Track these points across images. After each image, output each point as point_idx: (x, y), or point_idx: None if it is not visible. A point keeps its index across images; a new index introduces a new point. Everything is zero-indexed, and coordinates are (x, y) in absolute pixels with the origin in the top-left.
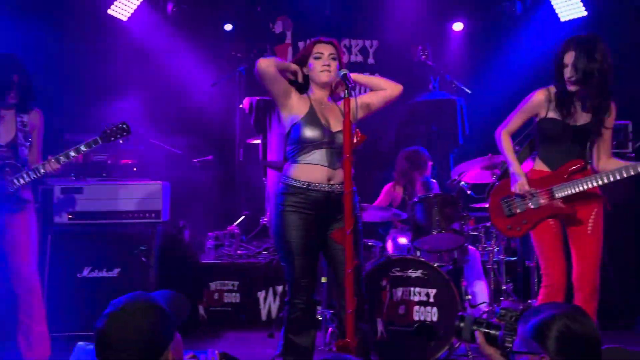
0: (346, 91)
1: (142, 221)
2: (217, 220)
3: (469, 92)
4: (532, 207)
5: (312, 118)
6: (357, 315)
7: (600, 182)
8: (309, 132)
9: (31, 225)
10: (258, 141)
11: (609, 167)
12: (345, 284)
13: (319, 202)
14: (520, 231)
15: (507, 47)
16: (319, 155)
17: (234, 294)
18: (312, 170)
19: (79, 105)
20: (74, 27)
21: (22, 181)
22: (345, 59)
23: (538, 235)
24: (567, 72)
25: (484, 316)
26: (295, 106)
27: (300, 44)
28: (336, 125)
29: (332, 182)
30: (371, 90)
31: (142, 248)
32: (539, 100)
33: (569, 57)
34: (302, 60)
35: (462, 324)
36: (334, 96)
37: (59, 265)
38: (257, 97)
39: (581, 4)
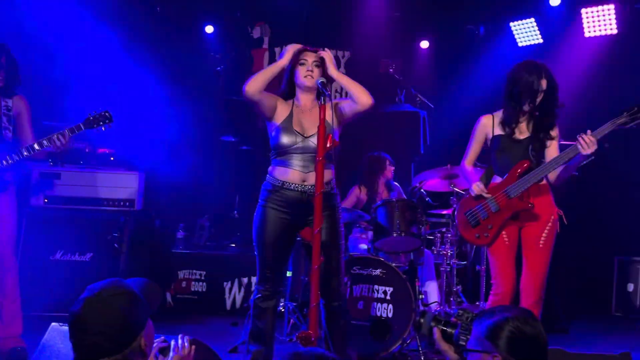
0: (323, 98)
1: (117, 209)
2: (188, 212)
3: (432, 106)
4: (493, 210)
5: (288, 125)
6: (337, 312)
7: (546, 172)
8: (284, 139)
9: (12, 206)
10: (232, 139)
11: (557, 173)
12: (312, 279)
13: (294, 201)
14: (488, 237)
15: (469, 66)
16: (294, 160)
17: (201, 283)
18: (287, 172)
19: (57, 93)
20: (53, 14)
21: (4, 163)
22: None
23: (492, 248)
24: (539, 97)
25: None
26: (278, 114)
27: (277, 50)
28: (311, 130)
29: (305, 183)
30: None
31: (115, 235)
32: (483, 124)
33: (545, 83)
34: (291, 69)
35: (422, 320)
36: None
37: (33, 246)
38: (234, 97)
39: (538, 32)
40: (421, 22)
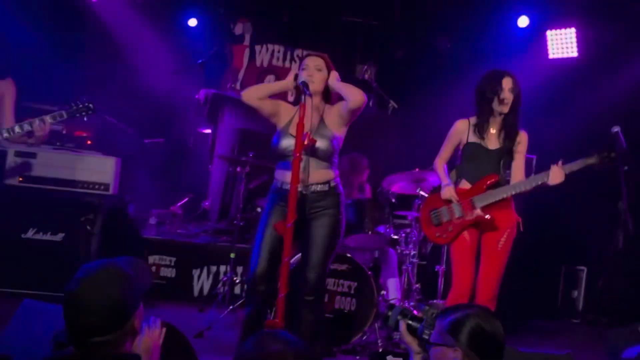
0: (303, 97)
1: (91, 192)
2: (162, 199)
3: (403, 111)
4: (456, 215)
5: (286, 129)
6: (308, 307)
7: (513, 192)
8: (280, 143)
9: None
10: (209, 131)
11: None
12: (281, 271)
13: None
14: (447, 238)
15: (437, 75)
16: (291, 161)
17: (170, 269)
18: (286, 173)
19: (41, 73)
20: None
21: None
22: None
23: (454, 248)
24: (505, 93)
25: None
26: (280, 119)
27: (257, 47)
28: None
29: (303, 183)
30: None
31: (88, 217)
32: (458, 129)
33: (507, 82)
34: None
35: (389, 313)
36: (331, 102)
37: (5, 223)
38: (213, 90)
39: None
40: (396, 32)
